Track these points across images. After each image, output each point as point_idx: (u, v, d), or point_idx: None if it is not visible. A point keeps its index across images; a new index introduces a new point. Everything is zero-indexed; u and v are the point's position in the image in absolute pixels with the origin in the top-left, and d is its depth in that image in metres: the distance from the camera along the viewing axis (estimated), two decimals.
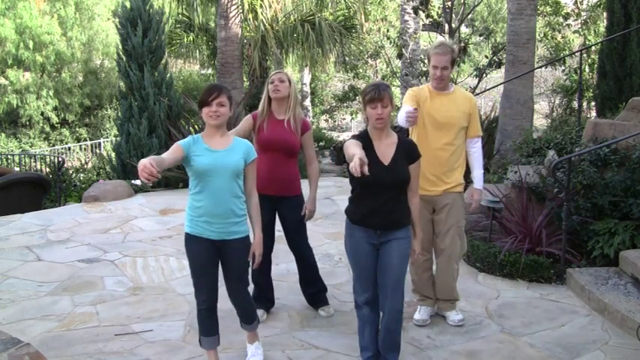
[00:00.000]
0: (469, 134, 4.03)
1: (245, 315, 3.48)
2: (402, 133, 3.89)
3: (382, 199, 3.23)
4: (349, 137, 3.42)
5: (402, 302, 3.35)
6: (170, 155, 3.14)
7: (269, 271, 4.27)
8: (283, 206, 4.12)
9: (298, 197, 4.16)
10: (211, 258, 3.27)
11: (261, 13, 14.13)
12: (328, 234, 6.03)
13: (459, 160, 3.99)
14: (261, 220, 3.98)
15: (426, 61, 11.53)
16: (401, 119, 3.74)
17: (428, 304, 4.18)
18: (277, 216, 4.20)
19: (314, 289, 4.34)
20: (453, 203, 3.97)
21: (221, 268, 3.35)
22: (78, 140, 18.84)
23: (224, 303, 4.08)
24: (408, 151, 3.30)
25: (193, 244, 3.27)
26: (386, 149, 3.27)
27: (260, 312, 4.19)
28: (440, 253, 4.06)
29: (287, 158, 4.06)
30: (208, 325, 3.37)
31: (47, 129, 18.55)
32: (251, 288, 4.27)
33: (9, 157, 13.38)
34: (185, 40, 15.19)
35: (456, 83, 11.04)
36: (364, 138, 3.30)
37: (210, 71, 19.21)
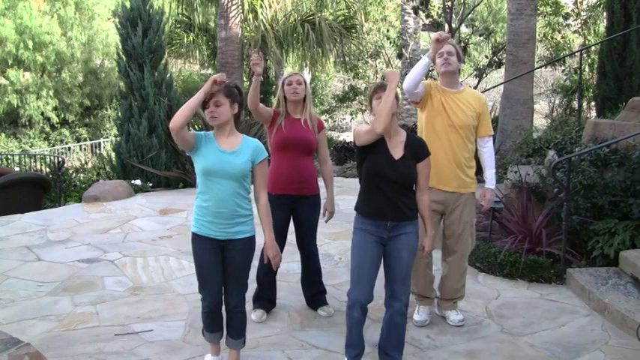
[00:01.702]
0: (479, 133, 4.03)
1: (234, 325, 3.38)
2: (412, 132, 3.90)
3: (391, 192, 3.27)
4: (357, 126, 3.43)
5: (408, 297, 3.39)
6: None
7: (275, 272, 4.25)
8: (302, 206, 4.11)
9: (317, 197, 4.17)
10: (216, 258, 3.25)
11: (261, 13, 14.14)
12: (328, 234, 6.02)
13: (471, 159, 4.00)
14: (278, 220, 3.98)
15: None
16: (409, 78, 3.76)
17: (426, 304, 4.16)
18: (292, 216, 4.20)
19: (315, 291, 4.34)
20: (466, 202, 3.98)
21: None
22: (78, 140, 18.84)
23: None
24: (416, 149, 3.34)
25: (199, 243, 3.27)
26: (396, 145, 3.31)
27: (260, 312, 4.19)
28: (452, 254, 4.05)
29: (305, 156, 4.07)
30: (212, 324, 3.41)
31: (47, 129, 18.56)
32: (254, 287, 4.29)
33: (9, 157, 13.37)
34: (185, 40, 15.21)
35: None
36: None
37: (210, 71, 19.21)
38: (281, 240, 4.15)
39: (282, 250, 4.19)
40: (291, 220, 4.21)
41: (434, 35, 3.81)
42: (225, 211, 3.19)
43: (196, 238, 3.27)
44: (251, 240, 3.30)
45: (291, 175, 4.03)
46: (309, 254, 4.26)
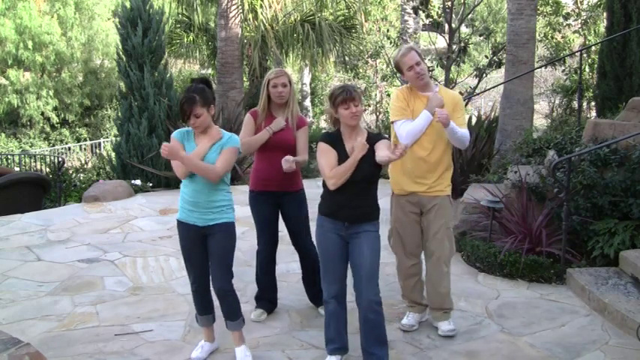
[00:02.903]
0: None
1: (227, 308, 3.53)
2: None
3: (350, 193, 3.34)
4: (320, 135, 3.51)
5: (378, 293, 3.39)
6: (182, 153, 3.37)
7: (273, 271, 4.27)
8: (286, 202, 4.12)
9: (300, 193, 4.17)
10: (196, 243, 3.48)
11: (261, 13, 14.13)
12: None
13: (444, 160, 3.92)
14: (263, 215, 4.13)
15: (426, 61, 11.47)
16: (405, 134, 3.77)
17: (416, 311, 4.10)
18: (280, 214, 4.20)
19: (316, 289, 4.34)
20: (440, 204, 3.91)
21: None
22: (78, 140, 18.83)
23: None
24: (374, 141, 3.37)
25: (181, 229, 3.55)
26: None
27: (259, 311, 4.20)
28: (430, 256, 3.99)
29: (286, 154, 4.04)
30: (202, 305, 3.62)
31: (47, 129, 18.55)
32: (254, 288, 4.29)
33: (9, 157, 13.37)
34: (185, 40, 15.20)
35: (456, 83, 11.06)
36: (335, 136, 3.44)
37: (210, 71, 19.18)
38: (271, 234, 4.18)
39: (276, 247, 4.23)
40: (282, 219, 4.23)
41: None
42: (201, 201, 3.42)
43: (179, 225, 3.56)
44: (229, 225, 3.48)
45: (271, 174, 4.03)
46: (305, 251, 4.25)
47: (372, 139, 3.39)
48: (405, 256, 3.98)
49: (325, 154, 3.37)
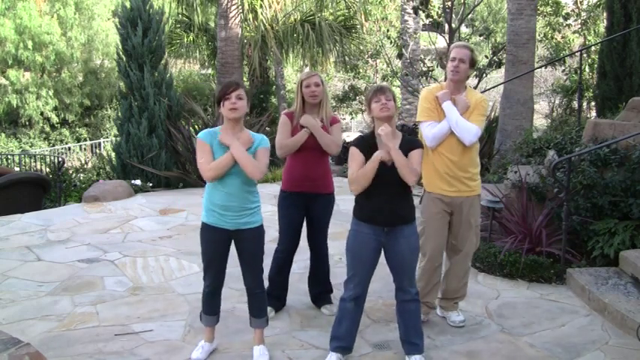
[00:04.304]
0: None
1: (255, 303, 3.59)
2: (410, 132, 3.91)
3: (387, 196, 3.31)
4: (354, 139, 3.48)
5: (416, 285, 3.50)
6: (210, 156, 3.34)
7: (287, 272, 4.30)
8: (316, 204, 4.15)
9: (330, 196, 4.22)
10: (222, 248, 3.48)
11: (261, 13, 14.15)
12: (329, 234, 6.02)
13: (473, 161, 3.96)
14: (292, 218, 4.16)
15: (426, 61, 11.53)
16: (431, 137, 3.81)
17: (423, 312, 4.10)
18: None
19: (321, 289, 4.37)
20: (472, 203, 3.97)
21: (236, 253, 3.54)
22: (78, 140, 18.83)
23: (225, 304, 4.08)
24: (409, 147, 3.35)
25: (208, 232, 3.47)
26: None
27: (267, 309, 4.20)
28: (457, 253, 4.05)
29: (321, 156, 4.10)
30: (210, 305, 3.63)
31: (47, 129, 18.54)
32: (265, 285, 4.30)
33: (9, 157, 13.37)
34: (185, 40, 15.22)
35: None
36: (369, 139, 3.39)
37: (210, 71, 19.22)
38: (294, 238, 4.22)
39: (295, 250, 4.27)
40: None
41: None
42: (235, 204, 3.38)
43: (205, 228, 3.47)
44: (259, 229, 3.51)
45: (305, 173, 4.08)
46: (319, 253, 4.30)
47: (407, 143, 3.34)
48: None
49: (355, 160, 3.33)
